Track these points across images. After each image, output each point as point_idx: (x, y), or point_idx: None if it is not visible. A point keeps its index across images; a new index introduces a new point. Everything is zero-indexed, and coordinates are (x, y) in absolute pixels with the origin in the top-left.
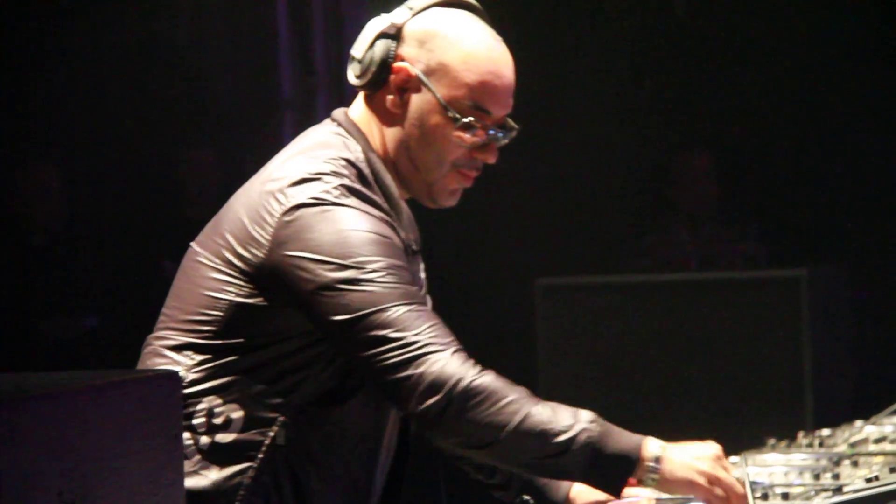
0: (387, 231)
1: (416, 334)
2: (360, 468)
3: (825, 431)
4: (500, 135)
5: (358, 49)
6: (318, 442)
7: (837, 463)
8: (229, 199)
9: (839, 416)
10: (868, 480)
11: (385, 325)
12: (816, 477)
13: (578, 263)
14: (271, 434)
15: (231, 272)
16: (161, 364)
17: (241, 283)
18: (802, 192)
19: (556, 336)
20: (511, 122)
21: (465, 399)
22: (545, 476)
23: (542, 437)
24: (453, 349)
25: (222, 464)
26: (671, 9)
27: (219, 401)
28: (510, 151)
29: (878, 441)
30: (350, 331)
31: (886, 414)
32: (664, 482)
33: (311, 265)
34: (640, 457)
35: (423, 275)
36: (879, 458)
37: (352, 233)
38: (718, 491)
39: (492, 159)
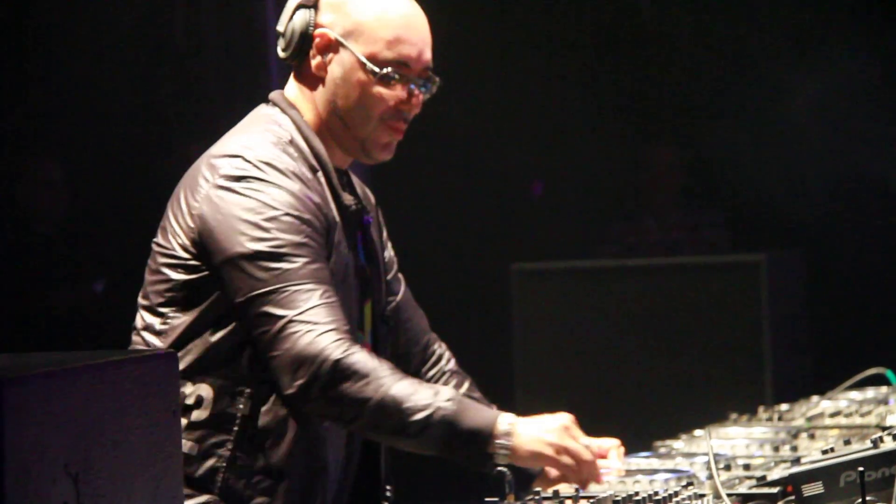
0: (299, 206)
1: (297, 313)
2: (328, 440)
3: (784, 406)
4: (422, 86)
5: (280, 24)
6: (285, 412)
7: (795, 436)
8: (178, 184)
9: (797, 392)
10: (824, 452)
11: (271, 304)
12: (776, 449)
13: (552, 249)
14: (240, 406)
15: (175, 251)
16: (138, 346)
17: (184, 261)
18: (761, 182)
19: (530, 318)
20: (432, 75)
21: (329, 376)
22: (409, 450)
23: (401, 414)
24: (328, 328)
25: (201, 440)
26: (637, 7)
27: (188, 382)
28: (491, 141)
29: (833, 415)
30: (244, 307)
31: (840, 390)
32: (515, 456)
33: (220, 237)
34: (492, 433)
35: (389, 253)
36: (834, 431)
37: (262, 209)
38: (566, 459)
39: (416, 110)
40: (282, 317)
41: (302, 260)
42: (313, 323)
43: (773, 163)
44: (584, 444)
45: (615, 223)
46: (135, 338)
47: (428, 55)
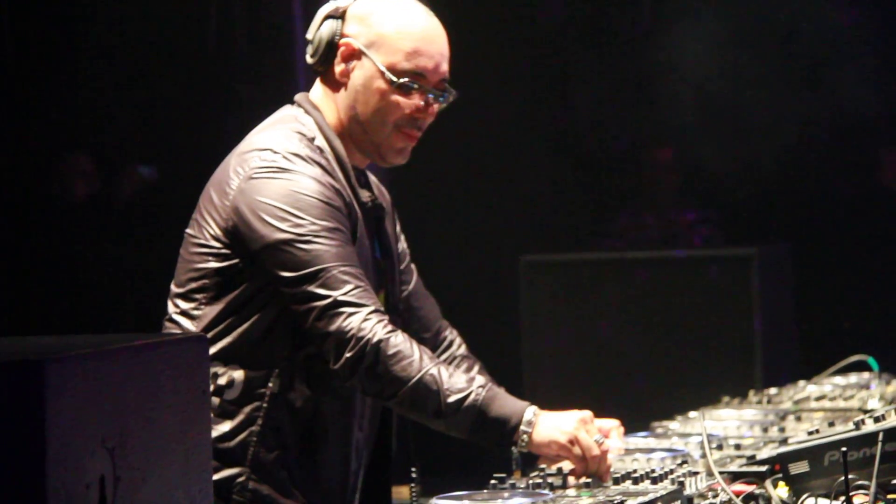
0: (329, 193)
1: (342, 294)
2: (355, 418)
3: (773, 390)
4: (438, 97)
5: (310, 32)
6: (312, 391)
7: (783, 418)
8: (209, 181)
9: (785, 377)
10: (810, 433)
11: (315, 285)
12: (765, 430)
13: (559, 242)
14: (270, 385)
15: (208, 241)
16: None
17: (216, 249)
18: (752, 180)
19: (537, 306)
20: (449, 87)
21: (375, 355)
22: (440, 430)
23: (437, 395)
24: (371, 309)
25: (233, 417)
26: (636, 13)
27: (220, 365)
28: (501, 138)
29: (818, 399)
30: (289, 287)
31: (826, 375)
32: (532, 443)
33: (259, 225)
34: (519, 422)
35: (403, 246)
36: (820, 414)
37: (296, 196)
38: (577, 450)
39: (429, 119)
40: (327, 296)
41: (336, 242)
42: (357, 304)
43: (764, 162)
44: (597, 440)
45: (617, 219)
46: (168, 324)
47: (445, 68)
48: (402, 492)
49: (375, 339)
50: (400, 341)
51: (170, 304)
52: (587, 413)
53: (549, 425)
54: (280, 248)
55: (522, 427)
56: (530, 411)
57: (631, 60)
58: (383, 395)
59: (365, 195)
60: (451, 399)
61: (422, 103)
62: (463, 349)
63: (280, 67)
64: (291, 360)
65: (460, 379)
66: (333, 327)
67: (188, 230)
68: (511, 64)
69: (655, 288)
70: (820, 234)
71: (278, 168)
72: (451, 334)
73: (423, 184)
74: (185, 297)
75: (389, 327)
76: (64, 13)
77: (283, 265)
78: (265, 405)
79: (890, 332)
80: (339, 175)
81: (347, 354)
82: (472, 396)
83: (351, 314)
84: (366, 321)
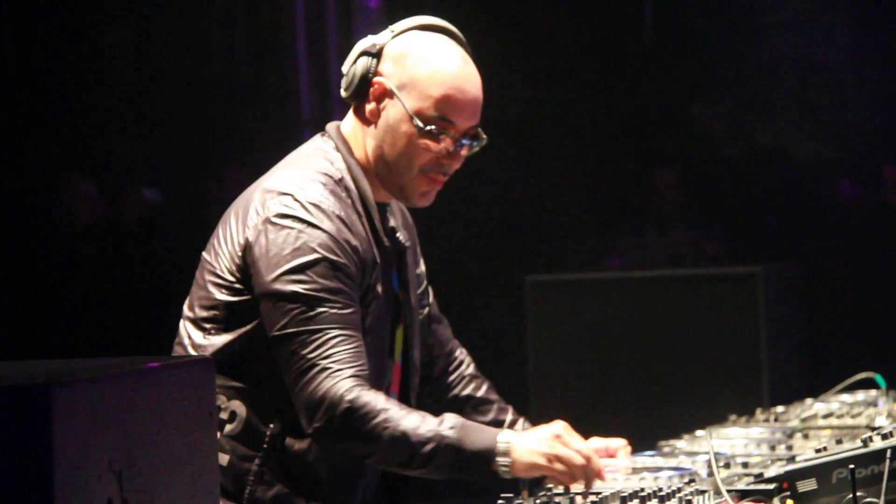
0: (338, 251)
1: (321, 357)
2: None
3: (780, 408)
4: (468, 144)
5: (345, 66)
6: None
7: (790, 436)
8: (231, 205)
9: (792, 395)
10: (817, 451)
11: (300, 345)
12: (772, 448)
13: (564, 262)
14: (272, 426)
15: (223, 272)
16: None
17: (229, 283)
18: (757, 199)
19: (543, 325)
20: (481, 133)
21: (344, 419)
22: (424, 476)
23: (411, 447)
24: (348, 374)
25: (232, 452)
26: (642, 38)
27: (223, 397)
28: (507, 159)
29: (825, 416)
30: (277, 344)
31: (833, 393)
32: (514, 470)
33: (264, 272)
34: (494, 452)
35: (421, 268)
36: (827, 431)
37: (305, 252)
38: (559, 466)
39: (456, 165)
40: (307, 358)
41: (335, 305)
42: (335, 369)
43: (769, 181)
44: (576, 448)
45: (622, 238)
46: (177, 348)
47: (475, 115)
48: None
49: (344, 403)
50: (367, 401)
51: (181, 326)
52: (560, 424)
53: (525, 450)
54: (276, 299)
55: (499, 460)
56: (502, 441)
57: (635, 79)
58: (358, 456)
59: (386, 238)
60: (425, 449)
61: (449, 150)
62: (472, 369)
63: (283, 89)
64: (293, 405)
65: (430, 425)
66: (304, 391)
67: (205, 254)
68: (516, 82)
69: (661, 307)
70: (826, 251)
71: (296, 219)
72: (461, 355)
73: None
74: (195, 323)
75: (358, 390)
76: (66, 37)
77: (275, 318)
78: (265, 445)
79: None
80: (362, 218)
81: (317, 421)
82: (444, 442)
83: (324, 378)
84: (335, 386)
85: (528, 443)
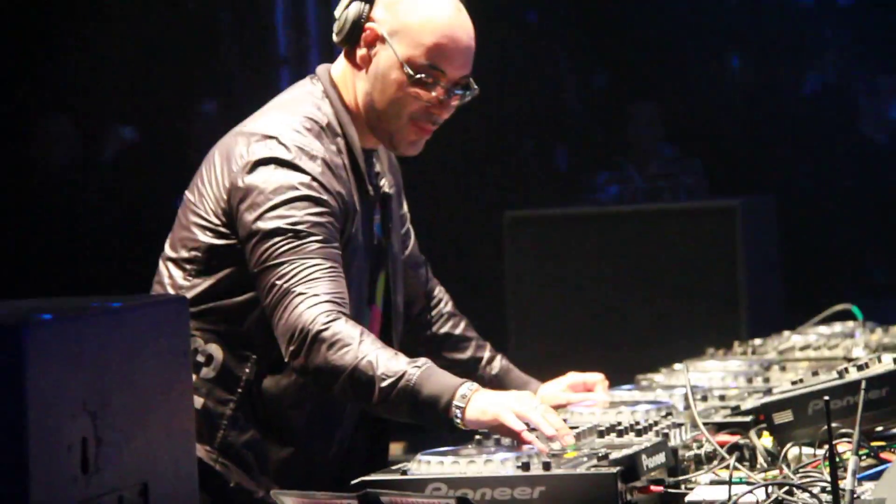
0: (321, 190)
1: (296, 284)
2: (333, 412)
3: (757, 341)
4: (460, 94)
5: (337, 10)
6: (288, 380)
7: (767, 368)
8: (215, 144)
9: (770, 328)
10: (794, 383)
11: (278, 276)
12: (749, 380)
13: (542, 198)
14: (247, 370)
15: (207, 214)
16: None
17: (214, 226)
18: (736, 132)
19: (521, 261)
20: (472, 83)
21: (312, 346)
22: (385, 416)
23: (371, 383)
24: (322, 299)
25: (206, 396)
26: None
27: (200, 340)
28: (485, 94)
29: (802, 349)
30: (259, 277)
31: (809, 325)
32: (465, 418)
33: (248, 214)
34: (451, 398)
35: (404, 210)
36: (804, 363)
37: (288, 190)
38: (509, 418)
39: (445, 115)
40: (284, 287)
41: (315, 238)
42: (310, 294)
43: (747, 114)
44: (537, 419)
45: (601, 173)
46: (156, 287)
47: (467, 65)
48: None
49: (314, 330)
50: (337, 329)
51: (161, 265)
52: (527, 393)
53: (483, 400)
54: (259, 237)
55: (455, 403)
56: (465, 388)
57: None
58: (323, 385)
59: (370, 186)
60: (385, 384)
61: (439, 98)
62: (450, 307)
63: (260, 26)
64: (270, 349)
65: (398, 362)
66: (280, 318)
67: (188, 193)
68: (495, 28)
69: (639, 241)
70: (801, 184)
71: (279, 159)
72: (440, 293)
73: None
74: (176, 263)
75: (332, 315)
76: None
77: (258, 254)
78: (240, 389)
79: (873, 280)
80: (347, 165)
81: (291, 346)
82: (404, 378)
83: (298, 304)
84: (308, 311)
85: (489, 396)
